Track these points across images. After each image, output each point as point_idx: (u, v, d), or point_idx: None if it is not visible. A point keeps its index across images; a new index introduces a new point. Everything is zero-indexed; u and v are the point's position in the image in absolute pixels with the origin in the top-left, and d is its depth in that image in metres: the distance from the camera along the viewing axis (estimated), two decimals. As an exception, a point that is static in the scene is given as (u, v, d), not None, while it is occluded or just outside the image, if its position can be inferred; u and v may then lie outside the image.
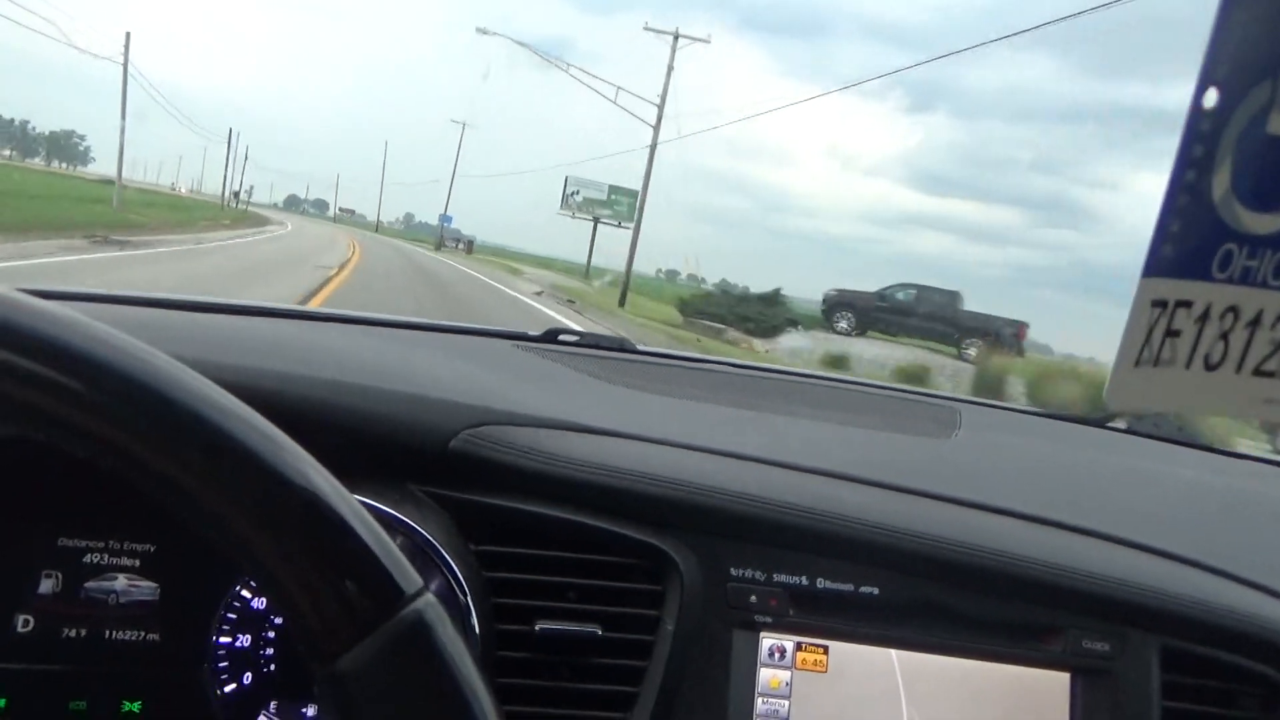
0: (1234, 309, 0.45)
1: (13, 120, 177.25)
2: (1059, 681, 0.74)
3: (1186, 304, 0.45)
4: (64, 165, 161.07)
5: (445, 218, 53.71)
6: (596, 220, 33.42)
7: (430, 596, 0.35)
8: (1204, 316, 0.45)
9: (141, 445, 0.32)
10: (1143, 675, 0.74)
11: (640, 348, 1.22)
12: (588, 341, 1.17)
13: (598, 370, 1.03)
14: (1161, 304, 0.45)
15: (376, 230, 75.47)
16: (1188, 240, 0.44)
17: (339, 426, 0.71)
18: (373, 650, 0.33)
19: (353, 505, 0.35)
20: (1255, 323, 0.46)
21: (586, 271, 35.13)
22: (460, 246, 51.01)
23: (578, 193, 34.03)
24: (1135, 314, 0.45)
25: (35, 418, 0.32)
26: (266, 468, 0.34)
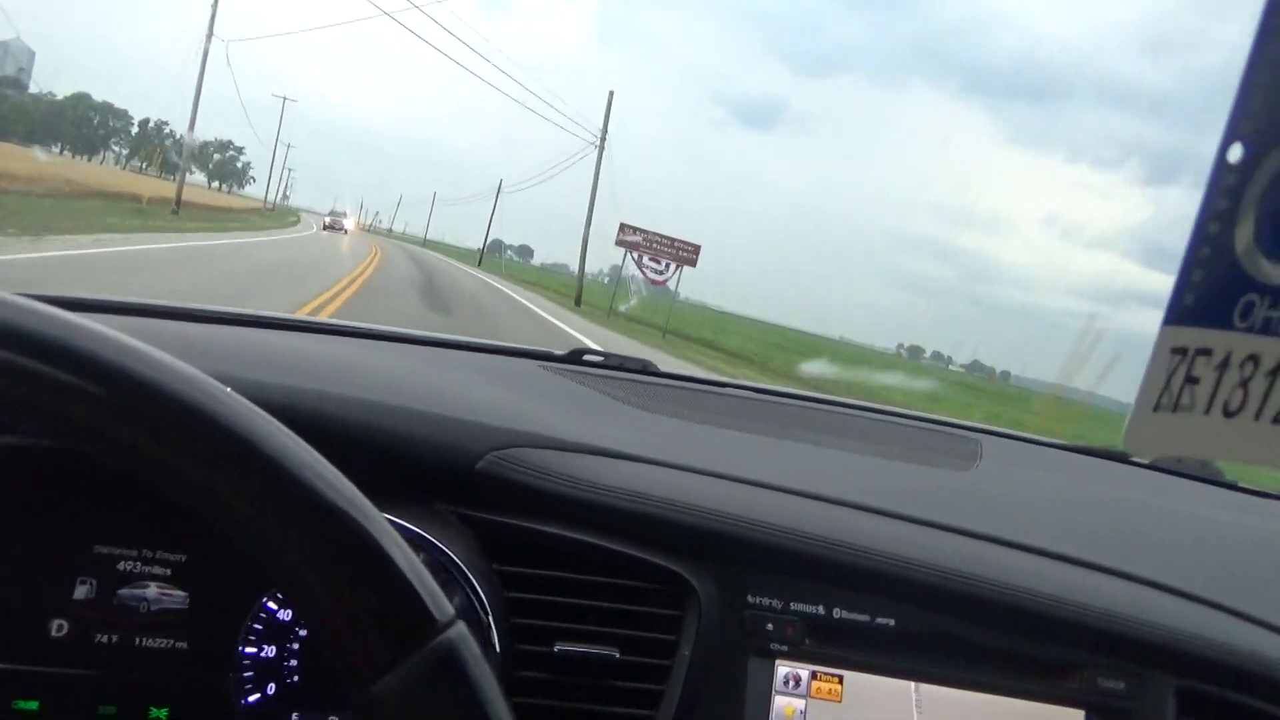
0: (1254, 357, 0.46)
1: (147, 121, 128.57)
2: (1074, 719, 0.74)
3: (1206, 351, 0.45)
4: (222, 186, 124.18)
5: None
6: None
7: (462, 626, 0.36)
8: (1224, 364, 0.46)
9: (196, 467, 0.34)
10: (1159, 716, 0.73)
11: (663, 370, 1.23)
12: (612, 363, 1.19)
13: (621, 393, 1.05)
14: (1181, 351, 0.45)
15: (578, 304, 25.61)
16: (1210, 289, 0.44)
17: (369, 445, 0.73)
18: (407, 676, 0.35)
19: (391, 533, 0.36)
20: (1275, 371, 0.46)
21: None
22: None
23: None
24: (1155, 360, 0.46)
25: (95, 439, 0.34)
26: (313, 496, 0.35)
